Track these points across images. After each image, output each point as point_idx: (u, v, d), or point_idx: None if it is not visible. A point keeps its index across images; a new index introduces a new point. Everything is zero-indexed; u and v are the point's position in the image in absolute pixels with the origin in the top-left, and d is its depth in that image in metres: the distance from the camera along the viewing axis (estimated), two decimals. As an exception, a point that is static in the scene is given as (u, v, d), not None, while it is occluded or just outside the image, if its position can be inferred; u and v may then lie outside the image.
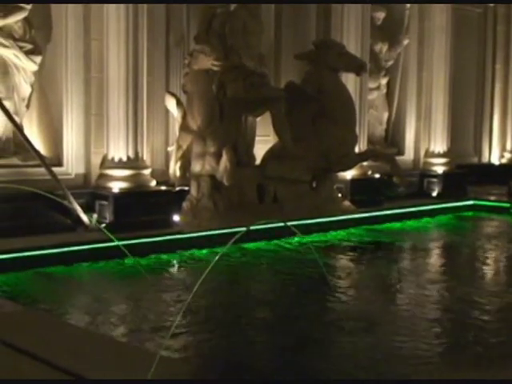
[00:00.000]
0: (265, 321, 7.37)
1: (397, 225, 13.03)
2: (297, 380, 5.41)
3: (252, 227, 10.71)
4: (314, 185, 12.63)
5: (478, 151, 18.60)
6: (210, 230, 10.64)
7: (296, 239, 10.67)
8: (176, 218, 10.92)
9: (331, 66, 12.52)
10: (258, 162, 12.17)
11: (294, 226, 9.63)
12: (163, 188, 11.03)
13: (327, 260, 9.74)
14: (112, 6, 10.49)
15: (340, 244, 11.28)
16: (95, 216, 10.28)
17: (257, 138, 12.22)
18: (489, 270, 10.04)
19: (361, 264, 10.18)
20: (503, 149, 18.95)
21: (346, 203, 12.93)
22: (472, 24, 17.97)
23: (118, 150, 10.61)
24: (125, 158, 10.61)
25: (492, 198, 15.19)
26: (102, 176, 10.77)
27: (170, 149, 11.92)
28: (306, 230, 11.28)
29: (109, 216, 10.28)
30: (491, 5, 18.33)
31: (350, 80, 13.21)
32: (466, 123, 18.05)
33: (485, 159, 18.64)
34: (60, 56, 10.71)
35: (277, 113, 11.87)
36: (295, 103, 12.20)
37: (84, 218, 10.09)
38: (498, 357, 5.54)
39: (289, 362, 5.90)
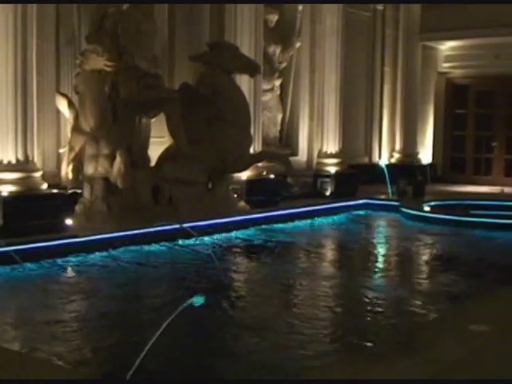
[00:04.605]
0: (154, 324, 7.31)
1: (291, 224, 13.23)
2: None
3: (147, 229, 10.73)
4: (210, 186, 12.66)
5: (369, 151, 19.16)
6: (105, 233, 10.48)
7: (192, 241, 10.66)
8: (69, 221, 10.69)
9: (225, 67, 12.56)
10: (152, 163, 12.08)
11: (190, 227, 9.67)
12: (55, 191, 10.75)
13: (223, 261, 9.79)
14: (-1, 4, 10.16)
15: (235, 244, 11.34)
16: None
17: (151, 140, 12.12)
18: (379, 266, 10.36)
19: (255, 264, 10.28)
20: (392, 149, 19.60)
21: (242, 204, 13.04)
22: (362, 27, 18.49)
23: (7, 152, 10.26)
24: (14, 161, 10.27)
25: (382, 196, 15.68)
26: (-11, 179, 10.40)
27: (61, 150, 11.68)
28: (202, 231, 11.29)
29: (-2, 220, 9.96)
30: (380, 8, 18.90)
31: (243, 81, 13.30)
32: (357, 124, 18.56)
33: (375, 159, 19.21)
34: None
35: (171, 114, 11.84)
36: (190, 105, 12.20)
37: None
38: (390, 351, 5.71)
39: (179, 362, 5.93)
